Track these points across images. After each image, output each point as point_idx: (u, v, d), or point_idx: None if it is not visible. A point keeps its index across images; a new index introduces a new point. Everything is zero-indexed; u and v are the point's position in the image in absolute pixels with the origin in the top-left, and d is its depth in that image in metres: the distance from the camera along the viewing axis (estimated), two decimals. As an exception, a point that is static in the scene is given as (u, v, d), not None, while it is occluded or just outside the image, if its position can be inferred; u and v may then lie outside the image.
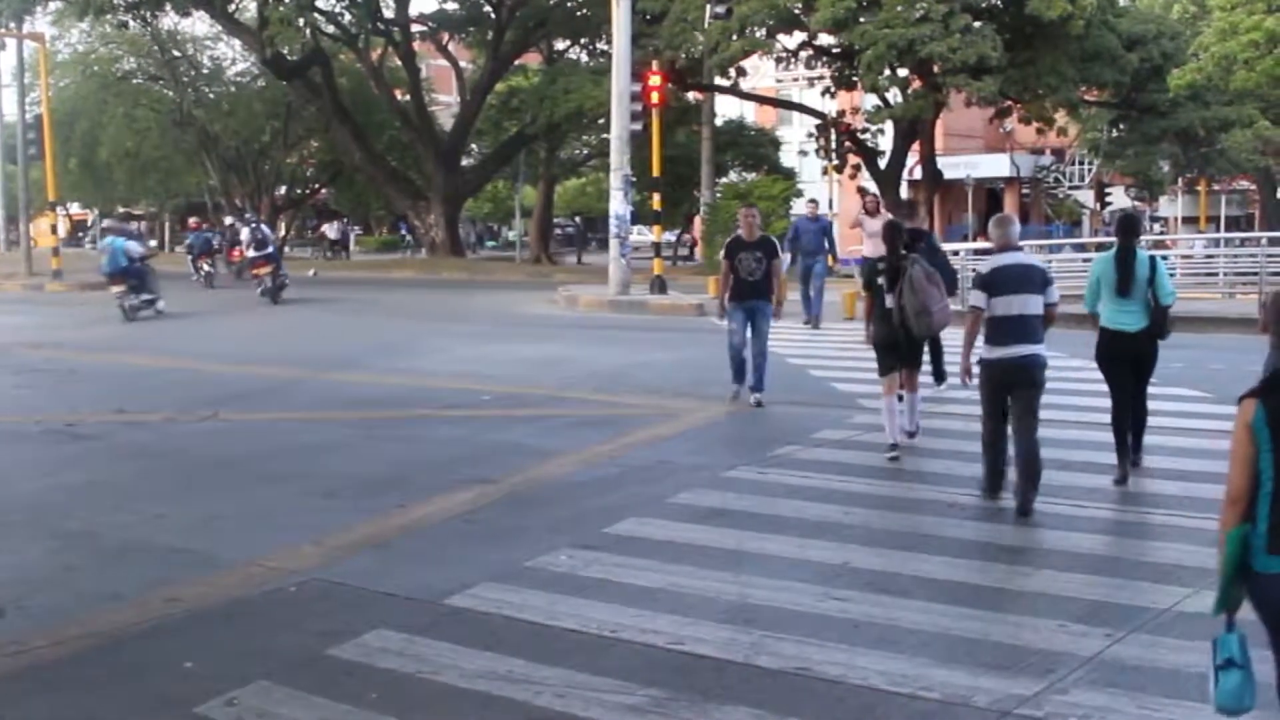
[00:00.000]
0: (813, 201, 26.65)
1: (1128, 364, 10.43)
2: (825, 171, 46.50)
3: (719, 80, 41.87)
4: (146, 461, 11.65)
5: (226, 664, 6.30)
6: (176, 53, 58.34)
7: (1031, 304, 9.42)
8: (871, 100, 42.72)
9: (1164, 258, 25.45)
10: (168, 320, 26.93)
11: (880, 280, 11.49)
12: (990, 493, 9.57)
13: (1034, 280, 9.49)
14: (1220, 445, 11.38)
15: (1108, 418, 10.53)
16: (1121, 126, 45.79)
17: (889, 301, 11.27)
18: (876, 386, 11.91)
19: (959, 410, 13.15)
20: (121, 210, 71.35)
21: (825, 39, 40.00)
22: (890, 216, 17.13)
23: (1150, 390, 10.74)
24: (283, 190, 64.96)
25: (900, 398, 11.63)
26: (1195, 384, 14.83)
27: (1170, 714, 5.53)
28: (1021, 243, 10.13)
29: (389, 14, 50.86)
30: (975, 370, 9.75)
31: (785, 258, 23.67)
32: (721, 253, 14.71)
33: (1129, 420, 10.44)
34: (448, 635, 6.68)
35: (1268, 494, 4.38)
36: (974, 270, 14.74)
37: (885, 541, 8.41)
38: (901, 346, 11.45)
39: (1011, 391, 9.44)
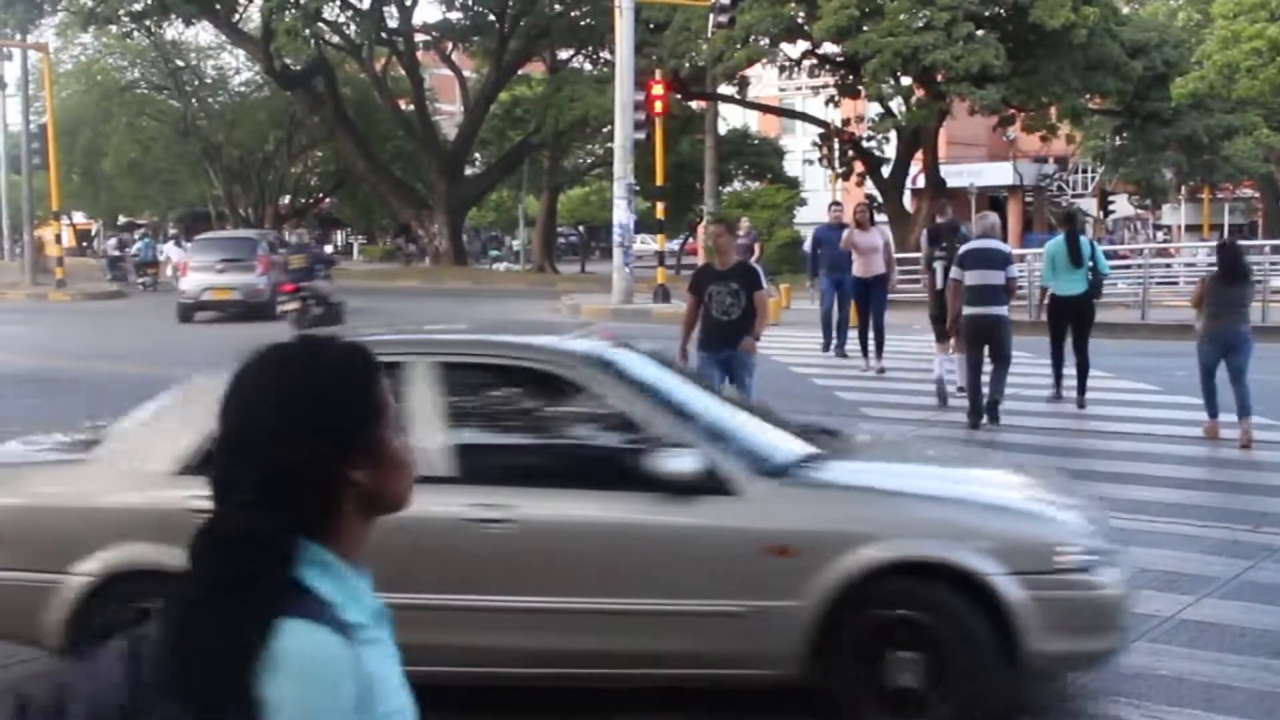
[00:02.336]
0: (836, 205, 21.64)
1: (1072, 319, 14.34)
2: (834, 179, 46.43)
3: (722, 89, 41.94)
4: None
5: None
6: (180, 63, 58.51)
7: (994, 277, 12.90)
8: (875, 109, 42.78)
9: (1166, 265, 25.32)
10: (166, 325, 27.08)
11: (936, 264, 14.92)
12: (973, 423, 12.81)
13: (997, 260, 13.00)
14: (1221, 454, 11.45)
15: (1109, 424, 13.11)
16: (1124, 134, 45.79)
17: (939, 282, 14.60)
18: (879, 395, 14.61)
19: (960, 418, 13.24)
20: (124, 219, 71.54)
21: (829, 48, 40.04)
22: (884, 228, 16.99)
23: (1152, 399, 14.01)
24: (286, 200, 65.09)
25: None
26: (1197, 393, 14.80)
27: (1173, 722, 5.54)
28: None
29: (392, 24, 50.95)
30: None
31: (815, 281, 21.19)
32: (687, 285, 11.80)
33: (1063, 360, 14.46)
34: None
35: None
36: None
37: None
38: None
39: (985, 343, 12.97)
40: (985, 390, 13.00)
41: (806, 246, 23.92)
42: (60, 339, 25.48)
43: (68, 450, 6.76)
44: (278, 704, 1.72)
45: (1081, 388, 14.21)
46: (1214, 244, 21.89)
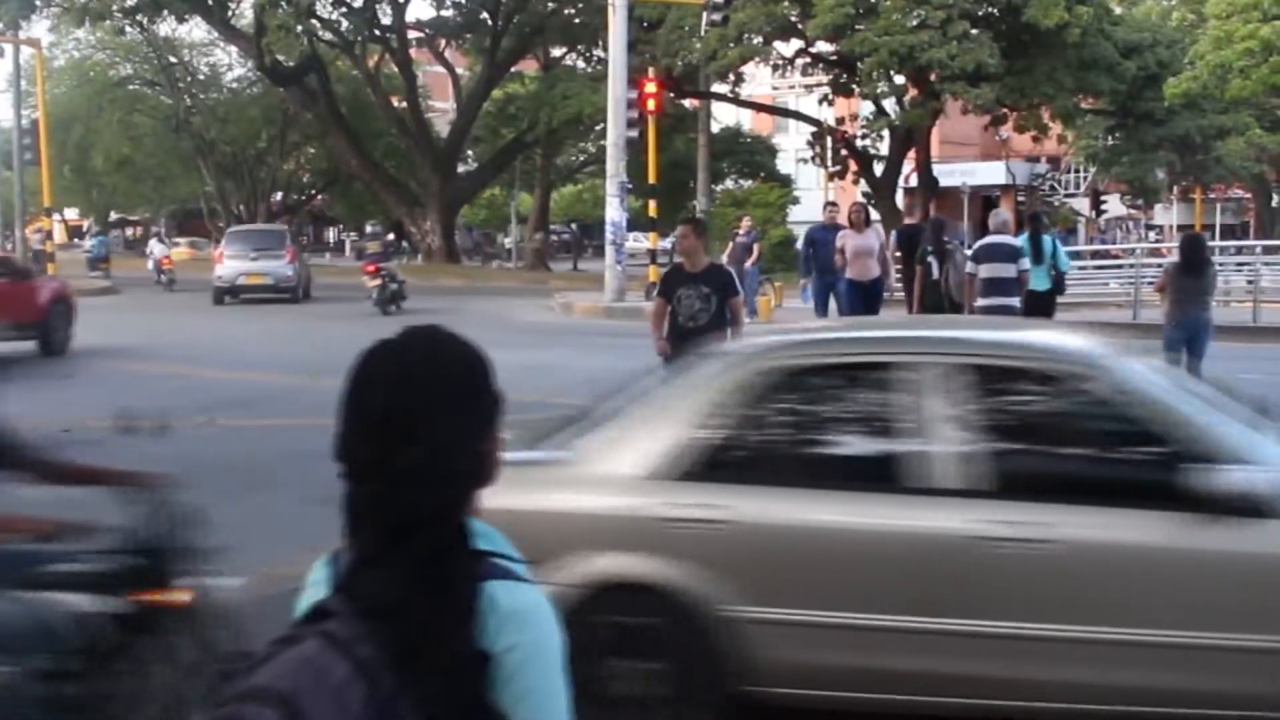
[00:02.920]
0: (831, 205, 20.43)
1: (1035, 314, 14.88)
2: (829, 178, 46.43)
3: (716, 87, 41.94)
4: (141, 468, 11.60)
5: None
6: (173, 59, 58.44)
7: (1006, 270, 13.99)
8: (868, 107, 42.84)
9: (1158, 265, 25.64)
10: (153, 324, 27.05)
11: (929, 259, 15.42)
12: None
13: (1008, 254, 14.14)
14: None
15: None
16: (1117, 134, 45.89)
17: (935, 273, 15.24)
18: None
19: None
20: (116, 216, 71.45)
21: (822, 46, 40.08)
22: (879, 228, 16.72)
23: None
24: (279, 196, 65.04)
25: None
26: (1190, 392, 14.85)
27: None
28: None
29: (386, 20, 50.93)
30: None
31: (804, 282, 20.52)
32: (655, 289, 10.71)
33: None
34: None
35: None
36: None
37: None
38: (945, 307, 14.93)
39: None
40: None
41: (799, 245, 23.61)
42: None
43: (535, 450, 6.24)
44: (517, 651, 1.90)
45: None
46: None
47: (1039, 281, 15.38)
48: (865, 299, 16.90)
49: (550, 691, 1.94)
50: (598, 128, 43.78)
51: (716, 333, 9.22)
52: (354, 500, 1.96)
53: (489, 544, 1.99)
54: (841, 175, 45.04)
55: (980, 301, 14.10)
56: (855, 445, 5.99)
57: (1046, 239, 15.85)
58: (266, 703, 1.81)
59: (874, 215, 26.67)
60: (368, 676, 1.84)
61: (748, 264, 26.58)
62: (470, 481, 2.00)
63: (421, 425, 1.94)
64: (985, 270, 14.13)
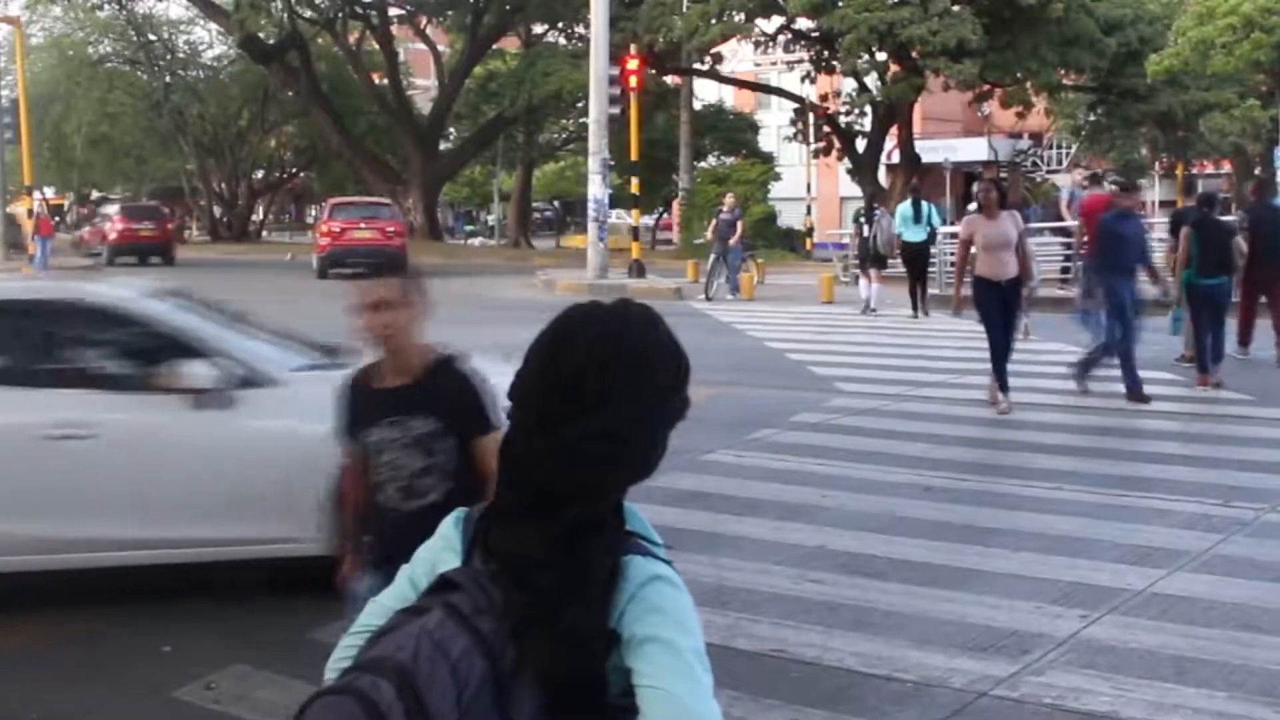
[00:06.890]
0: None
1: (915, 259, 22.31)
2: (817, 155, 46.32)
3: (697, 64, 41.86)
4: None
5: (205, 648, 6.27)
6: (152, 36, 58.06)
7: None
8: (850, 84, 42.81)
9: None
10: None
11: (861, 221, 23.45)
12: None
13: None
14: (1196, 429, 11.50)
15: (1080, 399, 13.25)
16: (1100, 111, 45.90)
17: (866, 233, 22.74)
18: (853, 370, 15.39)
19: (935, 394, 13.33)
20: (97, 195, 71.05)
21: (804, 23, 40.04)
22: (1016, 214, 13.76)
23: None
24: (260, 174, 64.74)
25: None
26: (1172, 367, 14.89)
27: (1144, 694, 5.56)
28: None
29: (367, -2, 50.77)
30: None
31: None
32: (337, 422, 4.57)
33: (920, 291, 22.10)
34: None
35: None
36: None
37: (861, 524, 8.42)
38: (873, 257, 22.57)
39: None
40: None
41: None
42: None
43: None
44: (647, 622, 1.89)
45: (916, 303, 21.87)
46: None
47: (917, 235, 22.30)
48: (1001, 303, 12.82)
49: (680, 657, 1.95)
50: (579, 105, 43.66)
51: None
52: (518, 450, 1.93)
53: (633, 524, 1.98)
54: (827, 152, 45.02)
55: None
56: None
57: (923, 204, 22.85)
58: (382, 674, 1.80)
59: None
60: (487, 651, 1.82)
61: (732, 241, 26.45)
62: (640, 467, 1.95)
63: (617, 395, 1.89)
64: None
